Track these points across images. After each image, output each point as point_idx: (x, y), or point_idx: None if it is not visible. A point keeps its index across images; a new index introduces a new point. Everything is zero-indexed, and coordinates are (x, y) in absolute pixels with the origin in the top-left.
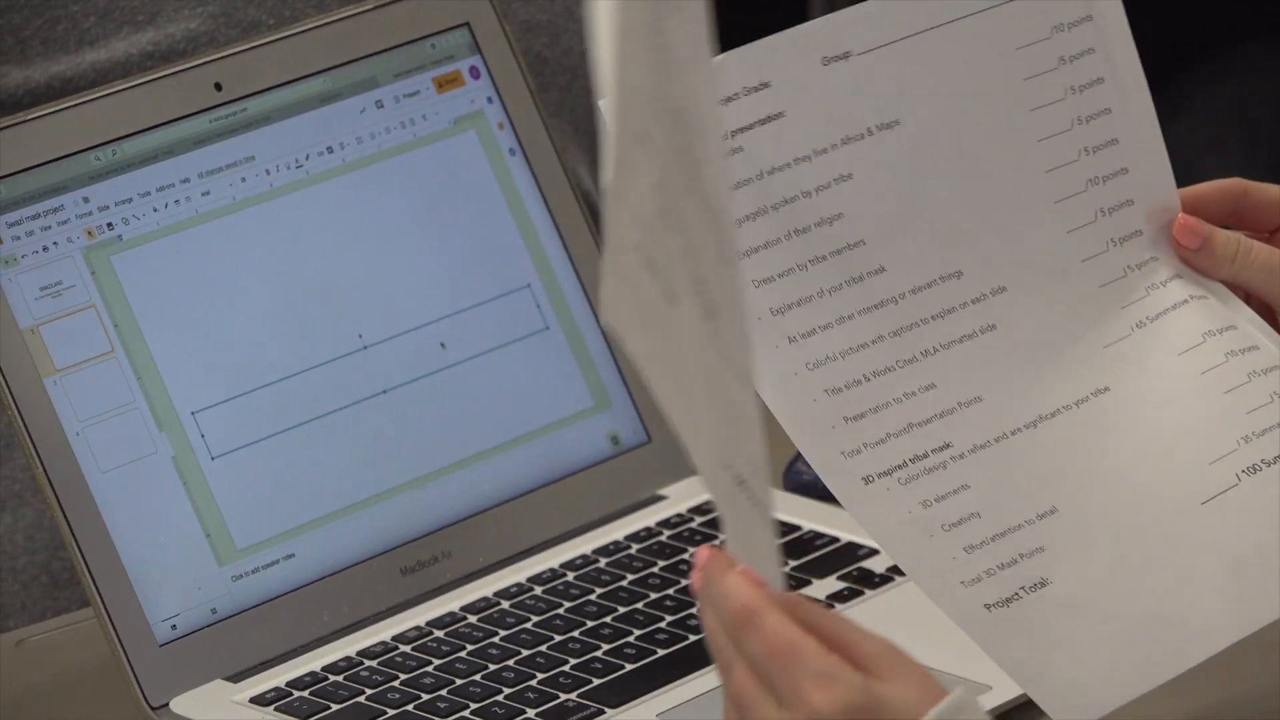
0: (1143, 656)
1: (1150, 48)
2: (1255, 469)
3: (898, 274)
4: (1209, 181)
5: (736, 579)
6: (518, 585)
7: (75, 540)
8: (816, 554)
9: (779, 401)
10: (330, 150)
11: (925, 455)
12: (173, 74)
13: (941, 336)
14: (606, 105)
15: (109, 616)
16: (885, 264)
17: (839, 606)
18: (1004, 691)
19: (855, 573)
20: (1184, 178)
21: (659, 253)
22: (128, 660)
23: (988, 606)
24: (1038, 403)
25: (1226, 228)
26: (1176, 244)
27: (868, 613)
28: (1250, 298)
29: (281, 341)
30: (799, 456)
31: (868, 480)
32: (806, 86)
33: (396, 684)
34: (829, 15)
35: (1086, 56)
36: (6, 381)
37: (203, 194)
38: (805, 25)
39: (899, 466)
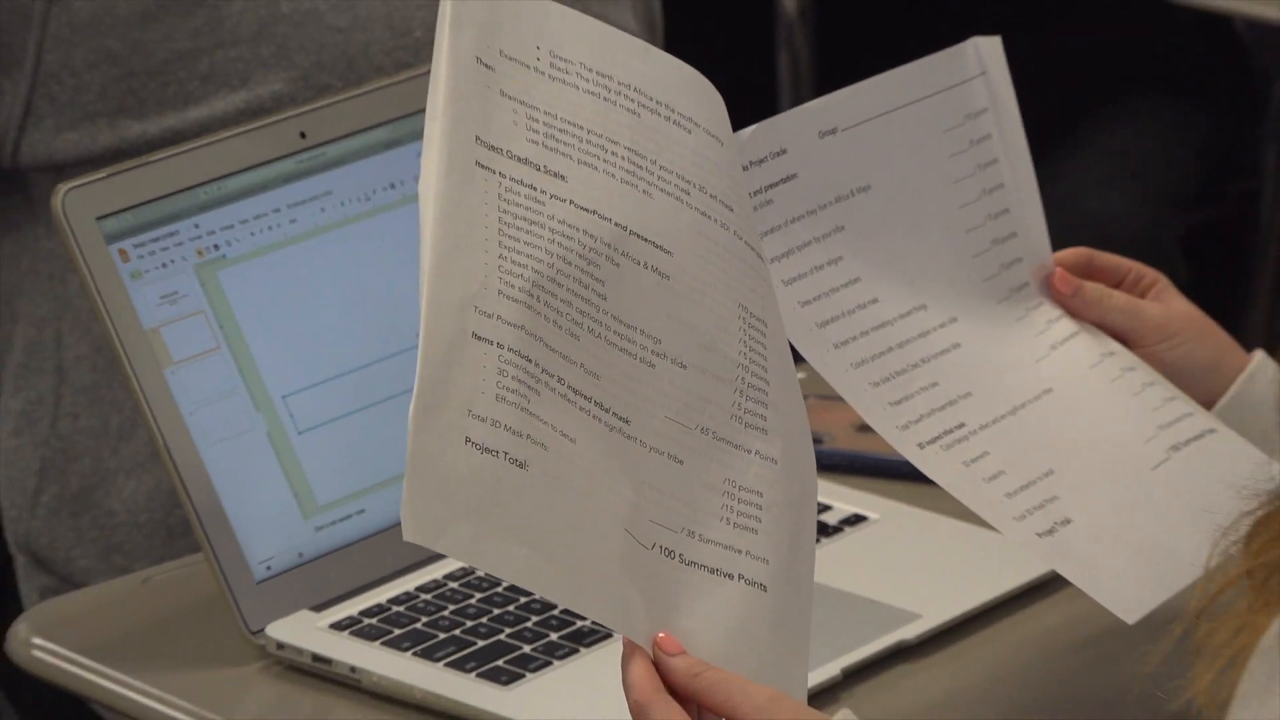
0: (1156, 574)
1: (1055, 100)
2: (1177, 448)
3: (887, 304)
4: (1061, 250)
5: (636, 671)
6: None
7: (190, 499)
8: None
9: (841, 388)
10: (393, 186)
11: (951, 431)
12: (266, 125)
13: (928, 350)
14: (423, 315)
15: (216, 559)
16: (878, 296)
17: None
18: (933, 619)
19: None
20: (1077, 209)
21: (503, 429)
22: (231, 594)
23: (1039, 535)
24: (1010, 397)
25: None
26: (1056, 292)
27: (822, 557)
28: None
29: (355, 339)
30: None
31: (921, 446)
32: (810, 154)
33: (446, 613)
34: (824, 96)
35: (986, 141)
36: (134, 372)
37: (290, 221)
38: (807, 105)
39: (937, 438)
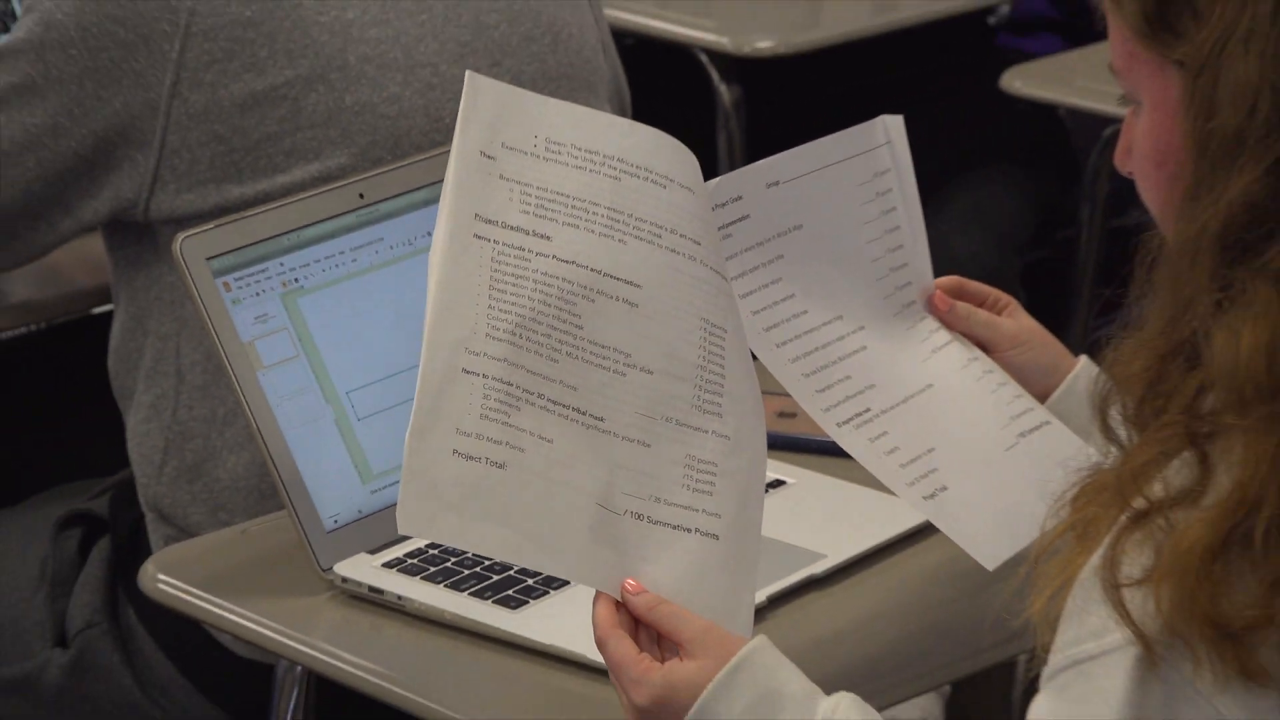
0: (1009, 532)
1: (929, 168)
2: (1024, 434)
3: (813, 315)
4: (940, 278)
5: (599, 612)
6: None
7: (276, 470)
8: None
9: (781, 378)
10: (429, 234)
11: (860, 414)
12: (334, 189)
13: (844, 351)
14: (422, 358)
15: (296, 515)
16: (807, 308)
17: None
18: (836, 558)
19: None
20: (946, 249)
21: (486, 440)
22: (308, 541)
23: (924, 498)
24: (903, 389)
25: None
26: (936, 309)
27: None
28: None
29: (401, 348)
30: None
31: (839, 425)
32: (759, 200)
33: (469, 554)
34: (770, 158)
35: (888, 193)
36: (235, 374)
37: (353, 260)
38: (758, 163)
39: (850, 419)
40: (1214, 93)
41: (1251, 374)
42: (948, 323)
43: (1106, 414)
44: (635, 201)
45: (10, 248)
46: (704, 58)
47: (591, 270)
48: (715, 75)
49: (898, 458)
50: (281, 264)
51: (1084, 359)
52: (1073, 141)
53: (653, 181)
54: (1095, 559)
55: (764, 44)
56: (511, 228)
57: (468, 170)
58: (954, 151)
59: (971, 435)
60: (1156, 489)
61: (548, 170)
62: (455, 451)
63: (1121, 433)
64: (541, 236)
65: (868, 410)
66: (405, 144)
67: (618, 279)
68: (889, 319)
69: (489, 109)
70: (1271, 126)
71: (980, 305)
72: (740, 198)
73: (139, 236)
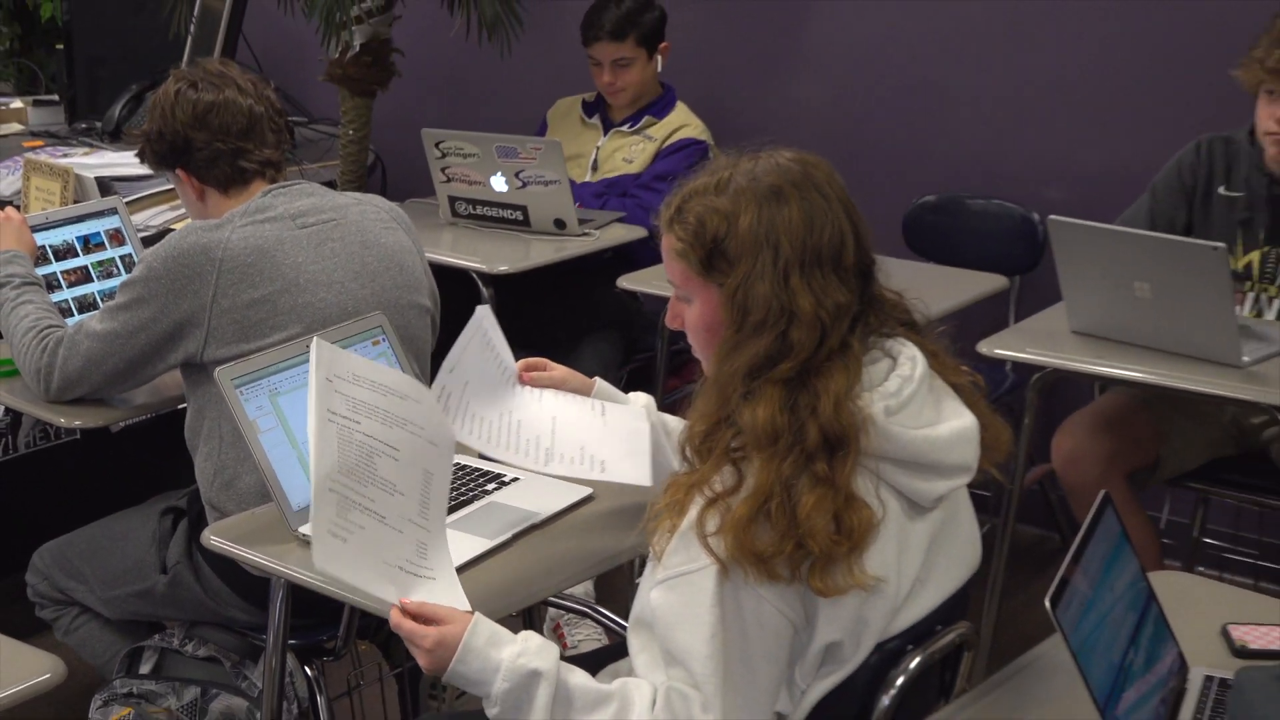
0: (637, 467)
1: (580, 327)
2: (603, 413)
3: (486, 411)
4: (518, 361)
5: (391, 612)
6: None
7: (269, 481)
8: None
9: (497, 456)
10: None
11: (544, 451)
12: (294, 343)
13: (513, 425)
14: (311, 485)
15: (279, 503)
16: (478, 412)
17: (491, 487)
18: (544, 513)
19: (493, 483)
20: (583, 369)
21: (340, 526)
22: (285, 516)
23: (600, 473)
24: (545, 424)
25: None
26: (525, 379)
27: (498, 496)
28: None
29: None
30: None
31: (544, 464)
32: (457, 364)
33: None
34: (456, 341)
35: (491, 341)
36: (247, 436)
37: (304, 379)
38: (453, 347)
39: (543, 458)
40: (746, 302)
41: (763, 431)
42: (532, 384)
43: (684, 448)
44: (391, 406)
45: (133, 379)
46: (475, 275)
47: (378, 440)
48: (480, 284)
49: (575, 460)
50: (269, 381)
51: (597, 379)
52: (648, 310)
53: (398, 396)
54: (691, 518)
55: (503, 267)
56: (343, 416)
57: (320, 388)
58: (590, 319)
59: (584, 425)
60: (716, 486)
61: (354, 389)
62: (329, 531)
63: (691, 458)
64: (355, 422)
65: (547, 448)
66: (330, 321)
67: (388, 444)
68: (515, 397)
69: (326, 358)
70: (778, 317)
71: (539, 370)
72: (454, 368)
73: (199, 370)
